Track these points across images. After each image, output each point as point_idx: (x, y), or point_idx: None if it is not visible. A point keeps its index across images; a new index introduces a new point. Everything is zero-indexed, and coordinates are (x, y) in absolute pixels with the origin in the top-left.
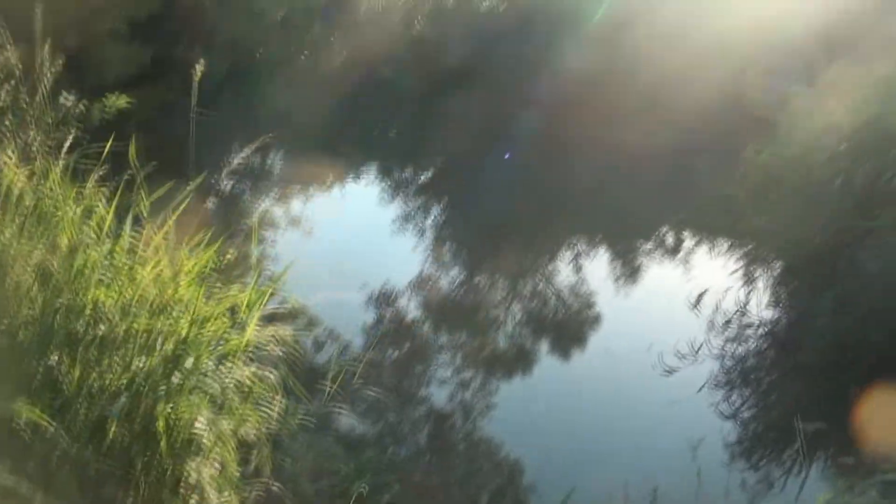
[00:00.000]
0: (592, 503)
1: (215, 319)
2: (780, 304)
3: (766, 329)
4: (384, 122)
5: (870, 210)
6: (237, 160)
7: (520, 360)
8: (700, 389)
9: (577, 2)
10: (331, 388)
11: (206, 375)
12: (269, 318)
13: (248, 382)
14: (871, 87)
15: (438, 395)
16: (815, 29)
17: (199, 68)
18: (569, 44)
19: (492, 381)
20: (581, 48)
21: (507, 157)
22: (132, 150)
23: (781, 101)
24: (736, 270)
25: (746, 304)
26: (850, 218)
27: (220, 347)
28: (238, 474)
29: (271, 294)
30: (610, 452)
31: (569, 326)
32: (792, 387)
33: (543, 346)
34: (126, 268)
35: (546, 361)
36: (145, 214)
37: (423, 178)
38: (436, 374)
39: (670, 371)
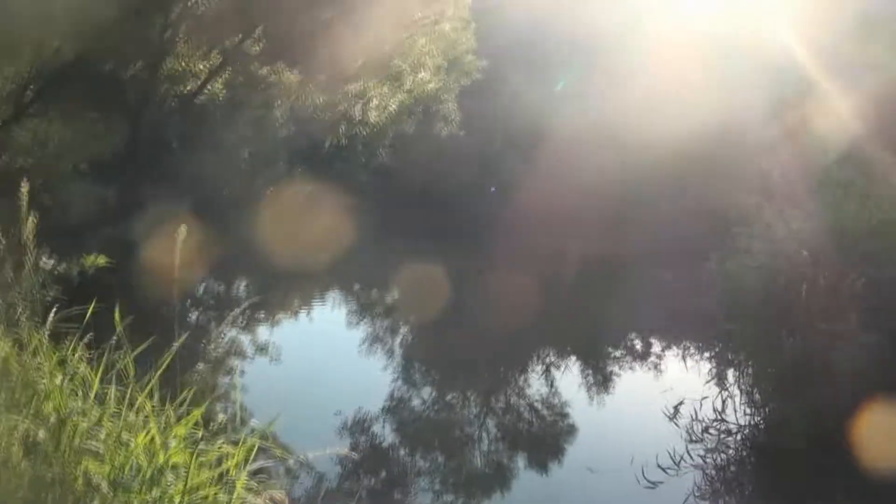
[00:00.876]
0: None
1: (205, 484)
2: (757, 410)
3: (744, 435)
4: (350, 249)
5: (837, 313)
6: (223, 325)
7: (517, 486)
8: (685, 501)
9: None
10: None
11: None
12: (258, 472)
13: None
14: (827, 194)
15: None
16: (769, 141)
17: (181, 235)
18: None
19: None
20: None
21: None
22: (117, 315)
23: (743, 211)
24: (711, 379)
25: (723, 411)
26: (818, 321)
27: None
28: None
29: (258, 449)
30: None
31: (552, 444)
32: (776, 493)
33: (531, 468)
34: (114, 435)
35: (535, 482)
36: (130, 374)
37: (385, 299)
38: None
39: (654, 484)
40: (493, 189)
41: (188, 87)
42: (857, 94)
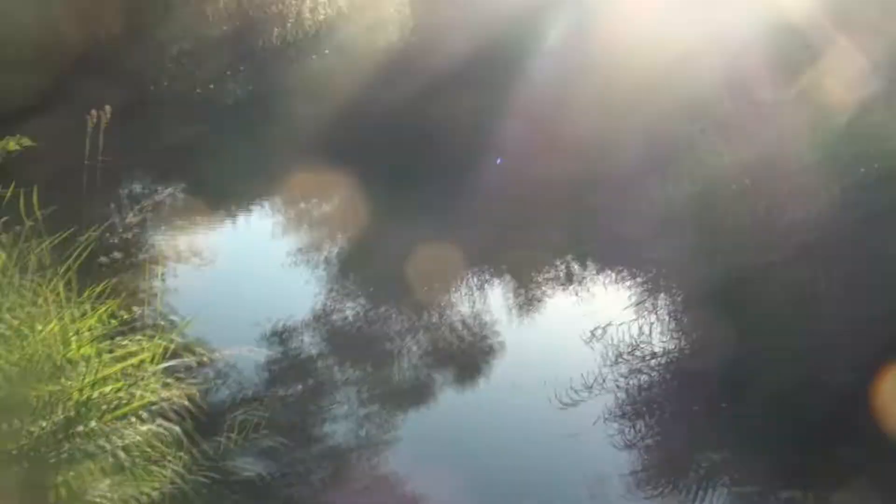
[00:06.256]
0: None
1: (114, 379)
2: (683, 335)
3: (667, 360)
4: (286, 151)
5: (772, 245)
6: (134, 213)
7: (427, 398)
8: (596, 422)
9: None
10: (234, 439)
11: (105, 437)
12: (173, 371)
13: (147, 441)
14: (771, 123)
15: (344, 438)
16: (718, 68)
17: (93, 116)
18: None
19: (396, 422)
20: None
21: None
22: (21, 202)
23: (687, 139)
24: (639, 304)
25: (649, 336)
26: (752, 252)
27: (119, 409)
28: None
29: (173, 348)
30: (510, 489)
31: (472, 361)
32: (692, 417)
33: (448, 381)
34: (15, 327)
35: (451, 396)
36: (40, 265)
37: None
38: (340, 416)
39: (565, 405)
40: (498, 160)
41: None
42: None
